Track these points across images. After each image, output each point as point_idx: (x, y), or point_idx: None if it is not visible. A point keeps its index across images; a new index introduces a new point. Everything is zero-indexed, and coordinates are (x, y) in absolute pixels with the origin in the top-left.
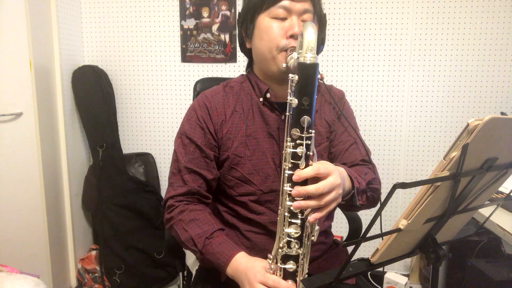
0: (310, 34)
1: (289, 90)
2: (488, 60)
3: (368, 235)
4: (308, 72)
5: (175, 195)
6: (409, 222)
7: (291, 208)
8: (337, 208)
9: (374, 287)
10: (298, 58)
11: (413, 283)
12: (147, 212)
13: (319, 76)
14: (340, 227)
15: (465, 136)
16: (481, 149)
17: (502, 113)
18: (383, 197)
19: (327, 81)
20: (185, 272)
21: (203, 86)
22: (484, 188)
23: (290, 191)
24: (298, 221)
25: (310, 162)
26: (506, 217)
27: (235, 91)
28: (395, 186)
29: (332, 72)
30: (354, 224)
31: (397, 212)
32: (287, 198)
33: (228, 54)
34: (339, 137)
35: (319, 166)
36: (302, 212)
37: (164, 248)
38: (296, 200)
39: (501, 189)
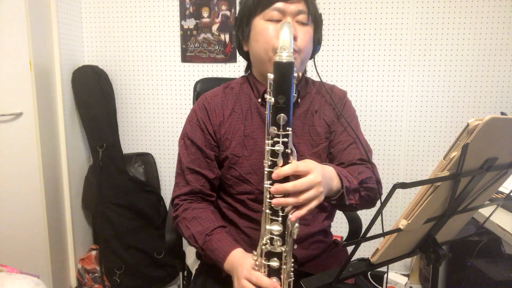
0: (285, 34)
1: (268, 89)
2: (488, 60)
3: (368, 235)
4: (283, 71)
5: (179, 194)
6: (409, 222)
7: (272, 205)
8: (336, 208)
9: (374, 287)
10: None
11: (413, 283)
12: (147, 212)
13: (295, 75)
14: (340, 227)
15: (465, 136)
16: (481, 149)
17: (502, 113)
18: (383, 197)
19: (328, 80)
20: (185, 272)
21: (203, 86)
22: (484, 188)
23: (269, 188)
24: (279, 219)
25: (290, 159)
26: (506, 217)
27: (234, 92)
28: (395, 186)
29: (332, 72)
30: (354, 224)
31: (397, 212)
32: (268, 196)
33: (228, 54)
34: (338, 137)
35: (298, 164)
36: (283, 209)
37: (164, 248)
38: (276, 197)
39: (501, 189)
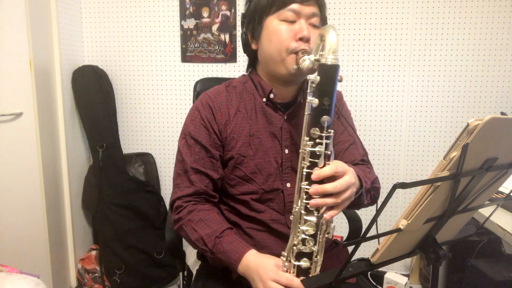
0: (332, 36)
1: (308, 91)
2: (488, 60)
3: (368, 235)
4: (329, 73)
5: (182, 195)
6: (409, 222)
7: (308, 206)
8: (348, 207)
9: (374, 287)
10: (319, 59)
11: (413, 283)
12: (147, 212)
13: (338, 77)
14: (340, 227)
15: (465, 136)
16: (481, 149)
17: (502, 113)
18: (383, 197)
19: None
20: (185, 272)
21: (203, 86)
22: (484, 188)
23: (308, 189)
24: (314, 219)
25: (327, 161)
26: (506, 217)
27: (237, 91)
28: (395, 186)
29: None
30: (354, 224)
31: (397, 212)
32: (304, 196)
33: (228, 54)
34: (338, 137)
35: (337, 165)
36: (317, 210)
37: (164, 248)
38: (313, 198)
39: (501, 189)
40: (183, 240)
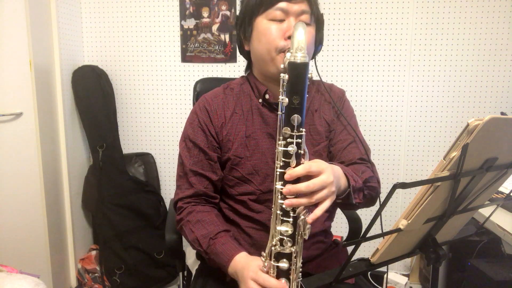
0: (300, 34)
1: (280, 90)
2: (488, 60)
3: (368, 235)
4: (298, 71)
5: (183, 197)
6: (409, 222)
7: (283, 206)
8: (340, 207)
9: (374, 287)
10: (289, 57)
11: (413, 283)
12: (147, 212)
13: (309, 75)
14: (340, 227)
15: (465, 136)
16: (481, 149)
17: (502, 113)
18: (383, 197)
19: (328, 80)
20: (185, 272)
21: (203, 86)
22: (484, 188)
23: (282, 189)
24: (290, 219)
25: (302, 160)
26: (506, 217)
27: (235, 92)
28: (395, 186)
29: (332, 72)
30: (354, 224)
31: (397, 212)
32: (279, 196)
33: (228, 54)
34: (337, 135)
35: (310, 164)
36: (294, 210)
37: (164, 248)
38: (288, 198)
39: (501, 189)
40: (183, 240)
